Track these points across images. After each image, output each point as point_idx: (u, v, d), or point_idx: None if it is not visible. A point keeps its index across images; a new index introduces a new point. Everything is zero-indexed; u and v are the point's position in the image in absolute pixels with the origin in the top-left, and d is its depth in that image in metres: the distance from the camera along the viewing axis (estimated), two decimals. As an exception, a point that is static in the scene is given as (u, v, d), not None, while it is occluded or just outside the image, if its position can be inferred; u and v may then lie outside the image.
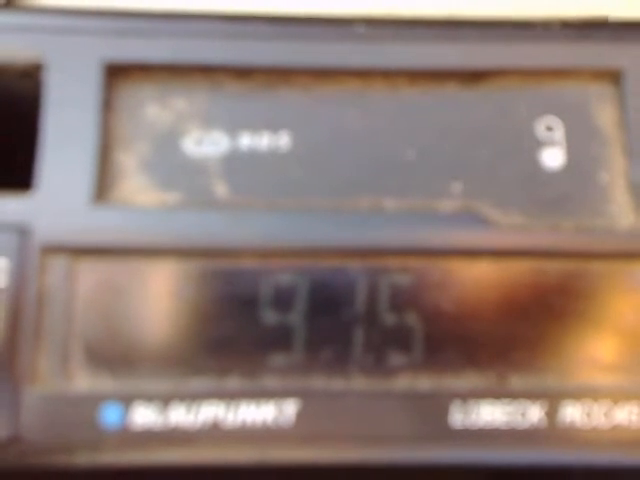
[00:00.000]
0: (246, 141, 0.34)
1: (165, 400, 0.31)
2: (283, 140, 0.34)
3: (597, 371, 0.33)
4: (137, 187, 0.33)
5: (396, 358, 0.32)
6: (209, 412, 0.31)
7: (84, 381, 0.31)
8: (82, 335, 0.31)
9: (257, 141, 0.34)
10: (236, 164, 0.33)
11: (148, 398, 0.31)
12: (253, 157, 0.33)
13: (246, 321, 0.32)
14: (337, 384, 0.32)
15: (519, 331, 0.32)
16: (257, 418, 0.31)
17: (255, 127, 0.34)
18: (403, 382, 0.32)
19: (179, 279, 0.32)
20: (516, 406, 0.32)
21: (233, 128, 0.34)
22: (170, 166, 0.33)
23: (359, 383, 0.32)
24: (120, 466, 0.31)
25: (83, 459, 0.31)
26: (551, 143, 0.34)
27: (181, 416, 0.31)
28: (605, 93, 0.34)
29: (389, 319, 0.32)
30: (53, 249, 0.32)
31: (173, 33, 0.34)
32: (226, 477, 0.32)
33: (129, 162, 0.33)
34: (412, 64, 0.34)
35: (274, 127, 0.34)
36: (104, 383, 0.31)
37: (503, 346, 0.32)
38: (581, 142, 0.34)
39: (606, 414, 0.32)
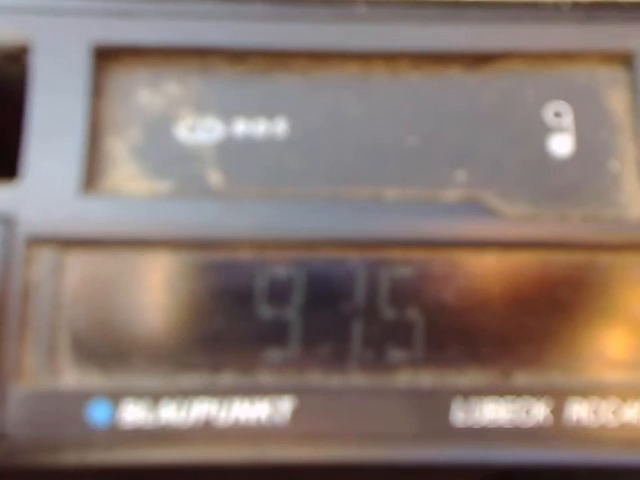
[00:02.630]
0: (241, 128, 0.32)
1: (155, 397, 0.30)
2: (280, 127, 0.33)
3: (605, 367, 0.32)
4: (128, 175, 0.32)
5: (396, 353, 0.31)
6: (201, 409, 0.30)
7: (71, 377, 0.30)
8: (70, 330, 0.30)
9: (252, 128, 0.33)
10: (231, 152, 0.32)
11: (138, 395, 0.30)
12: (248, 144, 0.32)
13: (240, 315, 0.31)
14: (335, 380, 0.31)
15: (524, 325, 0.31)
16: (251, 416, 0.30)
17: (250, 113, 0.33)
18: (403, 378, 0.31)
19: (171, 271, 0.31)
20: (520, 403, 0.31)
21: (227, 114, 0.33)
22: (162, 154, 0.32)
23: (358, 379, 0.31)
24: (109, 465, 0.30)
25: (70, 458, 0.30)
26: (560, 129, 0.33)
27: (172, 413, 0.30)
28: (616, 77, 0.33)
29: (389, 313, 0.31)
30: (39, 240, 0.31)
31: (165, 14, 0.33)
32: (218, 477, 0.31)
33: (119, 149, 0.32)
34: (415, 47, 0.33)
35: (270, 113, 0.33)
36: (92, 379, 0.30)
37: (507, 341, 0.31)
38: (591, 128, 0.33)
39: (614, 412, 0.31)
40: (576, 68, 0.33)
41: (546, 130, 0.33)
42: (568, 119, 0.33)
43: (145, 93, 0.33)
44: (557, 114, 0.33)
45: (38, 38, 0.32)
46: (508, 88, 0.33)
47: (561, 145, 0.33)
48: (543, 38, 0.33)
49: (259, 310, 0.31)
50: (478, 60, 0.33)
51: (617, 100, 0.33)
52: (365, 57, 0.33)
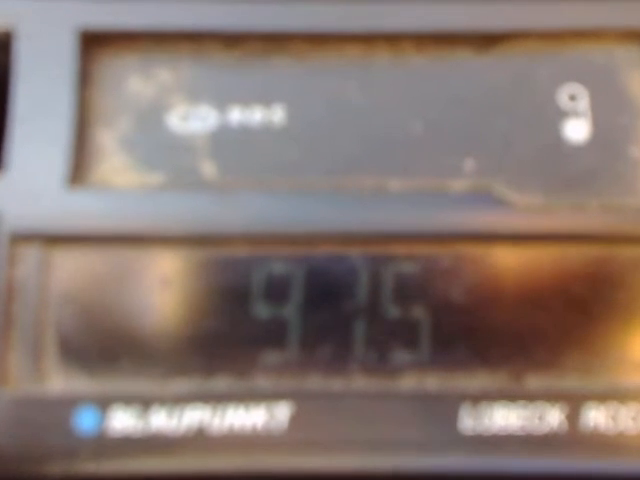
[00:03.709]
0: (236, 116, 0.32)
1: (146, 403, 0.29)
2: (277, 115, 0.32)
3: (624, 370, 0.30)
4: (117, 167, 0.31)
5: (401, 355, 0.30)
6: (194, 416, 0.29)
7: (58, 382, 0.29)
8: (56, 331, 0.30)
9: (248, 116, 0.32)
10: (225, 141, 0.31)
11: (127, 401, 0.29)
12: (244, 134, 0.31)
13: (236, 315, 0.30)
14: (335, 384, 0.30)
15: (537, 325, 0.30)
16: (246, 423, 0.29)
17: (246, 101, 0.32)
18: (408, 382, 0.30)
19: (163, 269, 0.30)
20: (533, 409, 0.30)
21: (222, 102, 0.32)
22: (153, 144, 0.31)
23: (360, 383, 0.30)
24: (96, 475, 0.29)
25: (56, 467, 0.29)
26: (575, 114, 0.32)
27: (163, 420, 0.29)
28: (634, 57, 0.32)
29: (393, 312, 0.30)
30: (24, 236, 0.30)
31: (156, -3, 0.32)
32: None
33: (108, 140, 0.31)
34: (420, 27, 0.32)
35: (267, 100, 0.32)
36: (80, 384, 0.29)
37: (519, 342, 0.30)
38: (608, 112, 0.32)
39: (634, 418, 0.30)
40: (592, 48, 0.32)
41: (560, 114, 0.32)
42: (584, 102, 0.32)
43: (135, 80, 0.32)
44: (572, 97, 0.32)
45: (22, 24, 0.31)
46: (519, 70, 0.32)
47: (576, 130, 0.32)
48: (556, 16, 0.32)
49: (256, 309, 0.30)
50: (487, 41, 0.32)
51: (636, 82, 0.32)
52: (367, 39, 0.32)
